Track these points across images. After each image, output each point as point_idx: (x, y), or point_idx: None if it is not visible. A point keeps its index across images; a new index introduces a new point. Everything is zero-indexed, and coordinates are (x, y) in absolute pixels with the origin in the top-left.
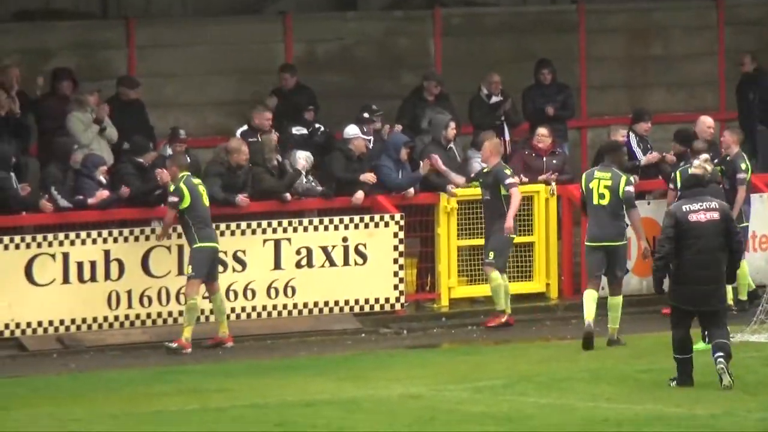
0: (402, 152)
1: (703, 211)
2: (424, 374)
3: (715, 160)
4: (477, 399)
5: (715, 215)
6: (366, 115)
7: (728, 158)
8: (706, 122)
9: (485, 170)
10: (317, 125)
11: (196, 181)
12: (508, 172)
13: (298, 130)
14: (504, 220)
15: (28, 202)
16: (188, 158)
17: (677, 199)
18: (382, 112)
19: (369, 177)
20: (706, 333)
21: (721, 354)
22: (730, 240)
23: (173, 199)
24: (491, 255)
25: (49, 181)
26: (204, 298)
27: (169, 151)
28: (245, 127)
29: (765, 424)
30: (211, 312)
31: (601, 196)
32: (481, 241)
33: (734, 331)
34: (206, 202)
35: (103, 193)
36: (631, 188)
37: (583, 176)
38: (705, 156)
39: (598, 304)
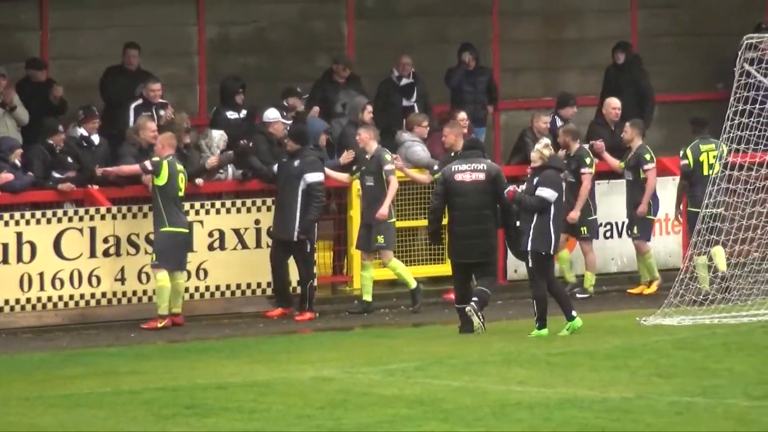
0: (321, 138)
1: (469, 172)
2: (337, 357)
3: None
4: (389, 382)
5: (481, 176)
6: (292, 100)
7: (633, 152)
8: (612, 103)
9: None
10: (245, 110)
11: None
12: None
13: (231, 115)
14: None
15: None
16: None
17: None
18: (307, 95)
19: None
20: (535, 318)
21: (475, 299)
22: (499, 199)
23: None
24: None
25: None
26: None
27: (81, 132)
28: (139, 101)
29: (677, 407)
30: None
31: (711, 167)
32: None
33: (645, 315)
34: None
35: (8, 176)
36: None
37: (688, 150)
38: (545, 141)
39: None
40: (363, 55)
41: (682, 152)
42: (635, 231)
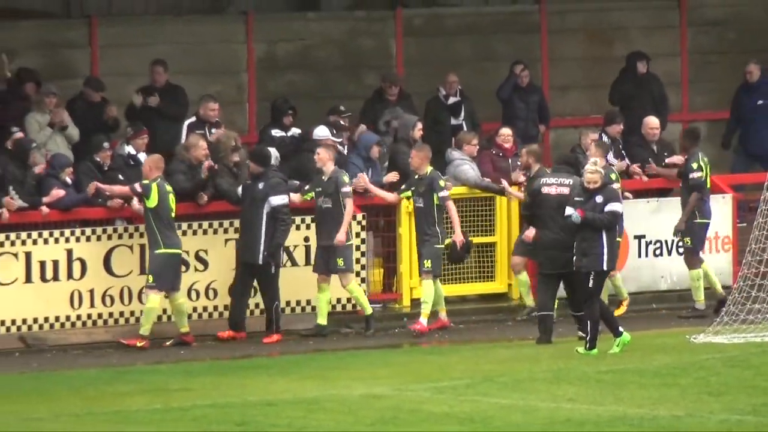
0: (373, 150)
1: (555, 185)
2: (387, 374)
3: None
4: (439, 399)
5: (565, 190)
6: (334, 117)
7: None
8: (650, 123)
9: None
10: (296, 129)
11: None
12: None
13: (277, 133)
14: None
15: None
16: None
17: None
18: (351, 113)
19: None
20: (587, 338)
21: (578, 326)
22: None
23: None
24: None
25: (8, 180)
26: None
27: (128, 150)
28: (193, 119)
29: (727, 425)
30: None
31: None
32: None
33: (696, 332)
34: None
35: (59, 193)
36: None
37: (701, 162)
38: (598, 160)
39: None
40: (411, 73)
41: (695, 164)
42: None
